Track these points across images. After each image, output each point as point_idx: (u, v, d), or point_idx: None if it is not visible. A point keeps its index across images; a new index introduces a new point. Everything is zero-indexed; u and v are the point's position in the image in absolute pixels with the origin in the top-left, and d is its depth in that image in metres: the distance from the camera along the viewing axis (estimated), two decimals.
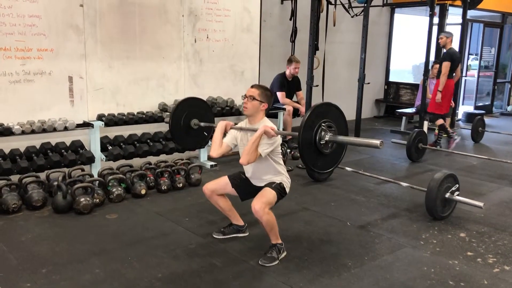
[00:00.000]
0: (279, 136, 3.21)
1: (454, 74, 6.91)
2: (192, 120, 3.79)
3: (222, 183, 3.42)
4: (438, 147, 6.99)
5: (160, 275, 3.00)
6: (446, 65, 6.66)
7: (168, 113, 5.30)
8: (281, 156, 3.36)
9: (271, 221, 3.14)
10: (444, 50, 6.95)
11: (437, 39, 7.65)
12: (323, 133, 2.95)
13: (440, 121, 7.06)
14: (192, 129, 3.80)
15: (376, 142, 2.83)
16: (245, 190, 3.40)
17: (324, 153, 3.01)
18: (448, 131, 7.08)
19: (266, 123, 3.22)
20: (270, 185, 3.22)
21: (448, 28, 9.20)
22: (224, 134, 3.40)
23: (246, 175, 3.41)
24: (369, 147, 3.00)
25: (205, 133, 3.90)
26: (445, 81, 6.73)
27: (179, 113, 3.78)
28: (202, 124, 3.81)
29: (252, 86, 3.29)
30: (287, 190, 3.32)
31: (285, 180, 3.31)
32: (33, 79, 4.55)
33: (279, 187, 3.22)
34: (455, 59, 6.77)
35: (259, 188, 3.25)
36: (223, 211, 3.55)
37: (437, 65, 8.17)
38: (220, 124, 3.37)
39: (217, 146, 3.32)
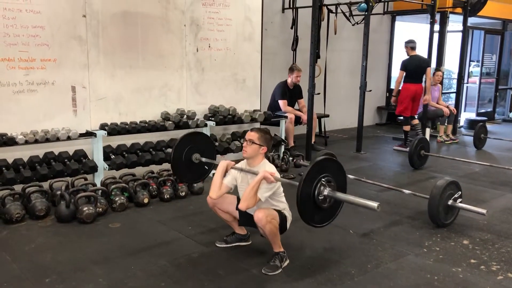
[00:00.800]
0: (278, 181, 3.19)
1: (423, 79, 7.45)
2: (193, 154, 3.81)
3: (227, 201, 3.44)
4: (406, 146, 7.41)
5: (163, 284, 3.00)
6: (400, 74, 7.34)
7: (170, 122, 5.33)
8: (283, 195, 3.33)
9: (274, 231, 3.15)
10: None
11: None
12: (322, 187, 2.98)
13: (415, 121, 7.58)
14: (193, 163, 3.82)
15: (374, 205, 2.88)
16: (247, 217, 3.30)
17: (322, 208, 3.03)
18: (408, 137, 7.54)
19: (266, 167, 3.23)
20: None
21: (449, 36, 9.25)
22: (225, 174, 3.41)
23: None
24: (366, 208, 3.01)
25: (206, 167, 3.92)
26: (397, 87, 7.45)
27: (182, 147, 3.79)
28: (203, 159, 3.83)
29: (251, 130, 3.32)
30: (288, 224, 3.31)
31: (287, 214, 3.30)
32: (36, 89, 4.58)
33: (281, 215, 3.22)
34: (408, 67, 7.25)
35: None
36: (225, 221, 3.56)
37: (439, 72, 8.21)
38: (221, 165, 3.37)
39: (217, 188, 3.33)
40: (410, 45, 7.31)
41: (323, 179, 2.98)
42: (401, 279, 3.13)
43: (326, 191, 2.98)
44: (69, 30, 4.71)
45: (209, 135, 5.68)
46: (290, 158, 6.09)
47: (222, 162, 3.39)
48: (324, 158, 3.14)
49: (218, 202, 3.42)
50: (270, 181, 3.09)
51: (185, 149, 3.77)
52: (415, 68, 7.24)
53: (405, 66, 7.27)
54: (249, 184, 3.16)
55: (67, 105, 4.81)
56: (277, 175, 3.16)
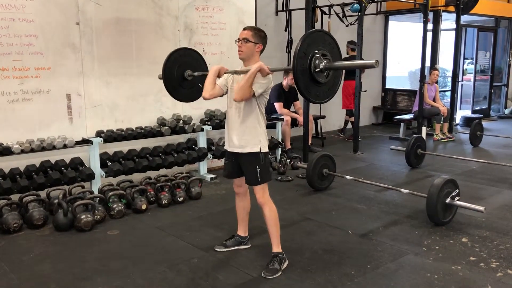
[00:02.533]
0: (271, 82, 3.14)
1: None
2: (185, 71, 3.68)
3: (237, 181, 3.45)
4: (342, 134, 8.62)
5: None
6: None
7: (166, 128, 5.32)
8: (264, 106, 3.27)
9: (273, 214, 3.22)
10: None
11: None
12: (317, 61, 2.87)
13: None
14: (186, 81, 3.70)
15: (371, 61, 2.76)
16: (236, 169, 3.35)
17: (320, 82, 2.93)
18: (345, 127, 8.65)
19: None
20: (252, 175, 3.21)
21: (442, 34, 9.28)
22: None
23: (228, 145, 3.33)
24: (365, 68, 2.90)
25: (199, 84, 3.70)
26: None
27: (171, 65, 3.67)
28: (195, 73, 3.69)
29: (244, 29, 3.23)
30: (267, 149, 3.25)
31: (263, 140, 3.24)
32: (31, 98, 4.57)
33: (262, 170, 3.19)
34: None
35: (243, 159, 3.23)
36: (240, 213, 3.56)
37: (435, 71, 8.25)
38: (214, 67, 3.31)
39: (210, 86, 3.25)
40: (351, 46, 7.93)
41: (317, 53, 2.87)
42: (401, 279, 3.13)
43: (322, 64, 2.86)
44: (62, 38, 4.70)
45: (206, 139, 5.69)
46: (288, 160, 6.09)
47: (215, 66, 3.34)
48: (314, 30, 3.02)
49: (238, 184, 3.43)
50: (266, 73, 3.05)
51: (176, 66, 3.65)
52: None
53: None
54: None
55: (63, 113, 4.80)
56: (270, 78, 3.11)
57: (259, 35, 3.20)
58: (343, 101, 8.24)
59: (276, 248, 3.27)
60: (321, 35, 3.02)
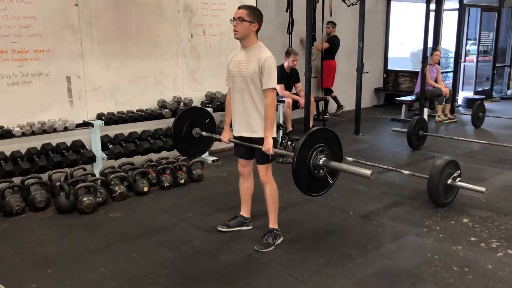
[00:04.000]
0: (274, 64, 3.16)
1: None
2: (194, 129, 3.76)
3: (240, 161, 3.47)
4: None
5: (166, 271, 3.01)
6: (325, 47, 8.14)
7: (167, 110, 5.31)
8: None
9: (273, 192, 3.29)
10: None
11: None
12: (317, 157, 2.95)
13: (334, 94, 8.66)
14: (194, 138, 3.78)
15: (367, 172, 2.89)
16: (245, 151, 3.39)
17: (317, 177, 3.01)
18: (338, 102, 8.78)
19: (262, 51, 3.14)
20: (260, 156, 3.24)
21: (445, 14, 9.18)
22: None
23: (236, 131, 3.36)
24: (360, 176, 3.01)
25: (205, 135, 3.82)
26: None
27: (181, 123, 3.74)
28: (204, 133, 3.79)
29: (239, 7, 3.18)
30: (275, 133, 3.29)
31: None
32: (31, 81, 4.54)
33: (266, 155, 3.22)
34: (335, 45, 8.45)
35: (252, 142, 3.26)
36: (244, 194, 3.58)
37: (437, 52, 8.18)
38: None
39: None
40: (332, 26, 8.38)
41: (318, 149, 2.95)
42: (402, 259, 3.14)
43: (321, 161, 2.94)
44: (61, 20, 4.66)
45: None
46: (289, 143, 6.08)
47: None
48: (319, 128, 3.11)
49: (245, 165, 3.46)
50: (270, 153, 3.14)
51: (185, 124, 3.72)
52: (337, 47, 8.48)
53: (334, 43, 8.38)
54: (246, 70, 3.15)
55: (63, 95, 4.78)
56: (270, 62, 3.11)
57: (254, 14, 3.14)
58: (324, 80, 8.08)
59: (273, 224, 3.33)
60: (325, 132, 3.12)
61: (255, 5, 6.21)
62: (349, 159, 5.12)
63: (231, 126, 3.48)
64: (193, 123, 3.75)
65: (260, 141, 3.18)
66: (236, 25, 3.14)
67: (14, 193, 4.06)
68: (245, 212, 3.63)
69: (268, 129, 3.13)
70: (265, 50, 3.16)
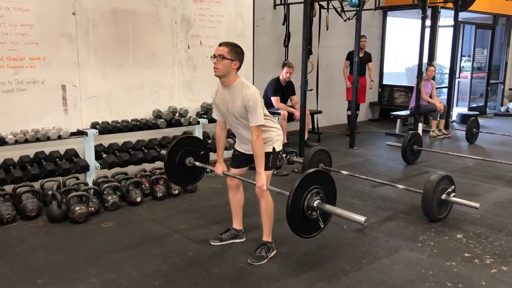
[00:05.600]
0: (260, 98, 3.12)
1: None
2: (187, 158, 3.73)
3: (234, 172, 3.46)
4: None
5: (157, 283, 2.97)
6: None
7: (162, 120, 5.29)
8: (268, 114, 3.28)
9: (269, 206, 3.25)
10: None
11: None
12: (312, 199, 2.96)
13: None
14: (187, 167, 3.74)
15: (361, 219, 2.90)
16: (245, 160, 3.41)
17: (309, 218, 3.01)
18: None
19: (244, 88, 3.10)
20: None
21: (440, 30, 9.27)
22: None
23: (238, 147, 3.41)
24: (353, 222, 3.02)
25: (198, 165, 3.79)
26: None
27: (175, 151, 3.69)
28: (197, 163, 3.76)
29: (220, 45, 3.13)
30: (279, 148, 3.30)
31: (275, 139, 3.28)
32: (26, 88, 4.52)
33: (271, 159, 3.22)
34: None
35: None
36: (234, 207, 3.55)
37: (432, 67, 8.24)
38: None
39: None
40: (365, 39, 8.15)
41: (313, 191, 2.97)
42: (395, 274, 3.12)
43: (315, 203, 2.96)
44: (58, 28, 4.65)
45: (202, 132, 5.66)
46: (284, 155, 6.07)
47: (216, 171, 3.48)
48: (315, 170, 3.13)
49: (237, 175, 3.44)
50: (263, 189, 3.15)
51: (179, 153, 3.68)
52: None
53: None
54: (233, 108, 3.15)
55: (58, 104, 4.76)
56: (254, 98, 3.06)
57: (235, 52, 3.09)
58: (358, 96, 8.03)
59: (267, 237, 3.31)
60: (321, 175, 3.14)
61: (252, 19, 6.26)
62: (344, 172, 5.12)
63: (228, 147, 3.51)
64: (188, 152, 3.71)
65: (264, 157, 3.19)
66: (216, 63, 3.08)
67: (6, 201, 4.02)
68: (237, 224, 3.60)
69: (260, 165, 3.12)
70: (248, 87, 3.12)
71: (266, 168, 3.20)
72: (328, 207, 3.01)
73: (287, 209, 2.88)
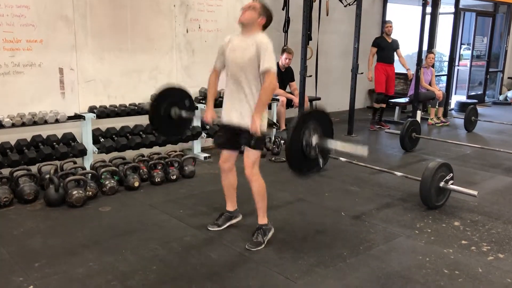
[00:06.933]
0: (271, 45, 3.10)
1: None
2: (172, 109, 3.61)
3: (225, 153, 3.40)
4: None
5: (155, 267, 2.98)
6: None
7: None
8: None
9: (261, 189, 3.22)
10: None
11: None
12: (310, 137, 2.91)
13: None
14: (173, 119, 3.62)
15: (364, 149, 2.87)
16: (233, 142, 3.32)
17: (309, 157, 2.97)
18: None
19: (262, 36, 3.10)
20: (248, 140, 3.15)
21: (440, 17, 9.21)
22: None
23: (226, 115, 3.28)
24: (355, 154, 2.98)
25: (185, 115, 3.65)
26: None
27: (159, 103, 3.60)
28: (183, 113, 3.64)
29: (253, 0, 3.24)
30: (264, 127, 3.21)
31: (263, 116, 3.20)
32: (22, 71, 4.48)
33: (258, 140, 3.17)
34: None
35: (240, 132, 3.19)
36: (228, 189, 3.51)
37: (431, 55, 8.20)
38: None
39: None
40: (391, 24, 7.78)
41: (311, 129, 2.91)
42: (393, 261, 3.13)
43: (314, 140, 2.90)
44: (55, 10, 4.59)
45: (200, 118, 5.63)
46: (282, 141, 6.06)
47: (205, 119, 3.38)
48: (312, 110, 3.11)
49: (228, 158, 3.39)
50: (257, 133, 3.06)
51: (163, 104, 3.57)
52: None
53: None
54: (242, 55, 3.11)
55: (55, 87, 4.72)
56: (270, 45, 3.07)
57: (266, 10, 3.19)
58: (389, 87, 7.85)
59: (262, 219, 3.30)
60: (318, 114, 3.11)
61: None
62: (342, 159, 5.11)
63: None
64: (172, 103, 3.60)
65: (249, 135, 3.13)
66: (245, 11, 3.15)
67: (3, 184, 4.00)
68: (230, 206, 3.59)
69: (258, 110, 3.07)
70: (266, 37, 3.14)
71: (253, 147, 3.16)
72: (329, 142, 2.96)
73: (287, 148, 2.83)
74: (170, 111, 3.60)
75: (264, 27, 3.22)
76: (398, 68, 11.44)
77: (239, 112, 3.18)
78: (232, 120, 3.22)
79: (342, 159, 5.11)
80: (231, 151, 3.39)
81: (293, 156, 2.92)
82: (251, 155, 3.19)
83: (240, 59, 3.13)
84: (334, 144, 2.99)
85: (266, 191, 3.29)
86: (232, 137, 3.30)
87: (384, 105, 7.84)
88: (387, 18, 9.96)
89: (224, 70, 3.31)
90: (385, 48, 7.62)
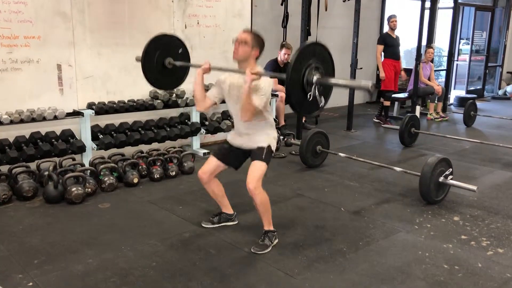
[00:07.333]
0: (269, 85, 3.08)
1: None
2: (166, 59, 3.53)
3: (213, 164, 3.34)
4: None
5: (154, 264, 2.97)
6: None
7: (159, 101, 5.24)
8: (269, 108, 3.27)
9: (264, 202, 3.14)
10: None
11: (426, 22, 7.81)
12: (311, 74, 2.78)
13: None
14: (167, 69, 3.55)
15: (367, 83, 2.68)
16: (234, 159, 3.34)
17: (310, 96, 2.83)
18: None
19: (258, 69, 3.08)
20: (258, 155, 3.14)
21: (439, 12, 9.18)
22: (206, 90, 3.34)
23: (234, 143, 3.30)
24: (359, 89, 2.81)
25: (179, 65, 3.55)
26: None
27: (152, 52, 3.50)
28: (177, 63, 3.56)
29: (243, 31, 3.15)
30: (274, 147, 3.24)
31: (272, 139, 3.24)
32: (20, 68, 4.46)
33: (267, 154, 3.16)
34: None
35: (247, 152, 3.21)
36: (215, 197, 3.49)
37: (431, 49, 8.18)
38: (198, 73, 3.22)
39: (201, 100, 3.24)
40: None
41: (312, 65, 2.79)
42: (392, 256, 3.13)
43: (315, 78, 2.78)
44: (53, 6, 4.57)
45: (199, 114, 5.62)
46: (281, 137, 6.05)
47: (198, 70, 3.24)
48: (311, 42, 2.96)
49: (212, 170, 3.33)
50: (255, 78, 2.94)
51: (156, 54, 3.48)
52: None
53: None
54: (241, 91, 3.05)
55: (53, 84, 4.70)
56: (263, 83, 3.04)
57: (257, 41, 3.12)
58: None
59: (267, 226, 3.25)
60: (316, 47, 2.92)
61: (250, 21, 6.20)
62: (342, 154, 5.11)
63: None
64: (165, 53, 3.51)
65: (259, 150, 3.15)
66: (237, 47, 3.10)
67: (1, 181, 4.01)
68: (226, 209, 3.57)
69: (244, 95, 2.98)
70: (264, 76, 3.11)
71: (261, 160, 3.14)
72: (331, 79, 2.84)
73: (287, 86, 2.73)
74: (163, 61, 3.51)
75: (259, 56, 3.18)
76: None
77: (247, 137, 3.23)
78: (242, 145, 3.28)
79: (342, 154, 5.10)
80: (223, 165, 3.36)
81: (293, 94, 2.78)
82: (259, 168, 3.12)
83: (236, 97, 3.15)
84: (337, 81, 2.87)
85: (269, 201, 3.20)
86: (238, 157, 3.32)
87: (388, 103, 7.85)
88: (386, 14, 9.93)
89: (212, 103, 3.30)
90: (392, 44, 7.57)
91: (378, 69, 10.16)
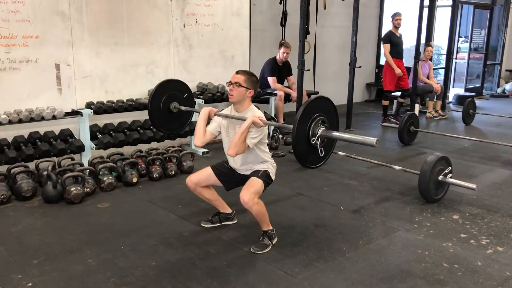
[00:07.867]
0: (262, 132, 3.15)
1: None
2: (171, 103, 3.60)
3: (205, 175, 3.35)
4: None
5: (154, 264, 2.97)
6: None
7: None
8: (266, 143, 3.31)
9: (261, 211, 3.12)
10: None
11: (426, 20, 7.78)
12: (316, 127, 2.91)
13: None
14: (172, 113, 3.62)
15: (373, 140, 2.76)
16: (230, 179, 3.35)
17: (316, 148, 2.96)
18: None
19: (255, 112, 3.16)
20: (256, 173, 3.17)
21: (438, 10, 9.18)
22: (208, 122, 3.35)
23: (231, 165, 3.35)
24: (364, 145, 2.91)
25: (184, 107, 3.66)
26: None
27: (158, 97, 3.59)
28: (182, 108, 3.63)
29: (237, 72, 3.20)
30: (273, 177, 3.27)
31: (271, 167, 3.27)
32: (19, 67, 4.45)
33: (265, 175, 3.18)
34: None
35: (245, 177, 3.22)
36: (209, 202, 3.50)
37: (429, 48, 8.18)
38: (203, 111, 3.28)
39: (201, 134, 3.25)
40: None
41: (317, 119, 2.89)
42: (392, 255, 3.13)
43: (320, 131, 2.89)
44: (51, 6, 4.56)
45: (198, 113, 5.61)
46: (280, 136, 6.05)
47: (204, 108, 3.30)
48: (317, 97, 3.06)
49: (201, 181, 3.34)
50: (260, 126, 3.03)
51: (162, 98, 3.56)
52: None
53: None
54: (237, 131, 3.11)
55: (52, 83, 4.70)
56: (265, 119, 3.10)
57: (251, 81, 3.16)
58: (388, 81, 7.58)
59: (266, 227, 3.24)
60: (322, 101, 3.06)
61: (249, 20, 6.20)
62: (341, 153, 5.11)
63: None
64: (171, 97, 3.58)
65: (256, 172, 3.18)
66: (232, 89, 3.13)
67: (0, 181, 3.99)
68: (224, 209, 3.56)
69: (238, 134, 3.07)
70: (257, 112, 3.18)
71: (258, 177, 3.14)
72: (335, 133, 2.93)
73: (293, 139, 2.83)
74: (169, 105, 3.58)
75: (254, 95, 3.22)
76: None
77: (245, 168, 3.27)
78: (241, 172, 3.30)
79: (341, 153, 5.10)
80: (217, 181, 3.36)
81: (299, 148, 2.89)
82: (256, 184, 3.09)
83: (233, 135, 3.17)
84: (342, 136, 2.95)
85: (265, 207, 3.17)
86: (235, 179, 3.33)
87: (403, 100, 7.85)
88: (385, 12, 9.93)
89: (210, 138, 3.32)
90: (397, 43, 7.50)
91: (376, 68, 10.23)
